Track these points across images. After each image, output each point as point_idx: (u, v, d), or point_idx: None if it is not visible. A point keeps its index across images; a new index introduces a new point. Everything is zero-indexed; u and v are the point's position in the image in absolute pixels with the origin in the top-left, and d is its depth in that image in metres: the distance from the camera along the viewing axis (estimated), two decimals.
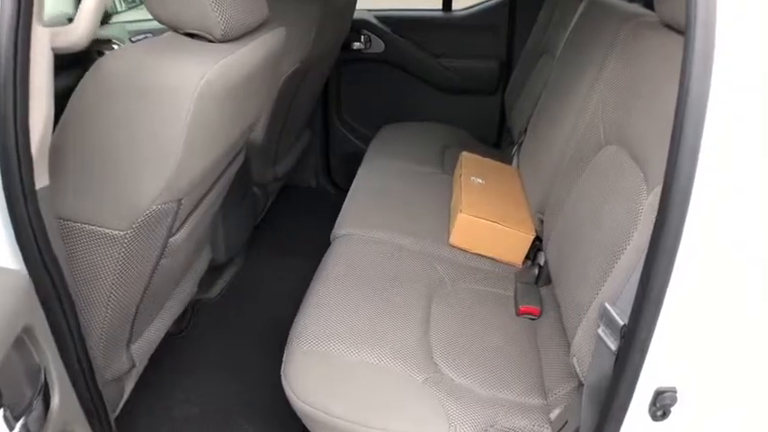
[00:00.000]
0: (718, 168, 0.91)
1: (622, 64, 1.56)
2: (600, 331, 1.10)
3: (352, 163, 2.87)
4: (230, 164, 1.63)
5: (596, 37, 1.78)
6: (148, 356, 1.67)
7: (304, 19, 2.09)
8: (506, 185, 2.12)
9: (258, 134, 2.17)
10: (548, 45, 2.42)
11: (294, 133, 2.65)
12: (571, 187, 1.63)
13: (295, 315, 1.56)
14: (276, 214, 2.80)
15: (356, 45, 2.88)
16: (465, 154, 2.31)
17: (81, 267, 1.25)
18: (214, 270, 2.24)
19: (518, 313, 1.69)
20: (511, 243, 1.87)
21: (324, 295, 1.60)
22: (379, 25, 2.87)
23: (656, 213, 0.94)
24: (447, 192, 2.19)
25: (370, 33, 2.87)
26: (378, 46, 2.88)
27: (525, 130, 2.28)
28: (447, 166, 2.47)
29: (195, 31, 1.23)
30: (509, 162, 2.53)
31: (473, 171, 2.16)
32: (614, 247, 1.25)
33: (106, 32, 2.54)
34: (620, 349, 1.03)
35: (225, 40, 1.23)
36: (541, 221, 1.84)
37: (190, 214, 1.41)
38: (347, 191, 2.28)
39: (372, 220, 1.94)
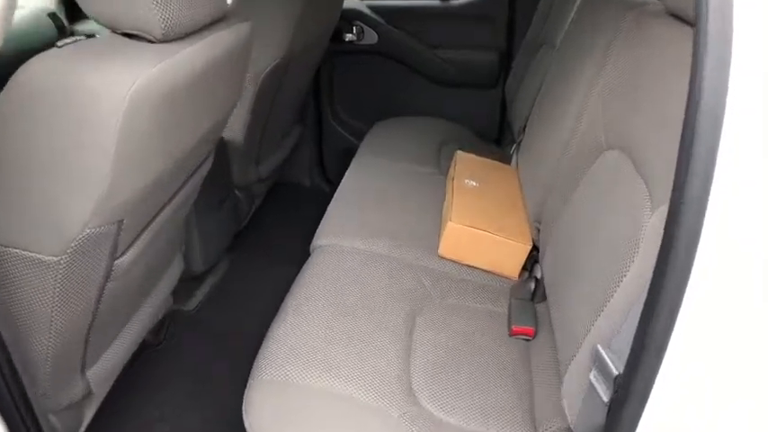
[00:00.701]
0: (738, 190, 0.75)
1: (626, 58, 1.40)
2: (591, 377, 0.95)
3: (347, 159, 2.73)
4: (194, 173, 1.48)
5: (597, 28, 1.61)
6: (111, 380, 1.54)
7: (281, 12, 1.94)
8: (503, 188, 1.97)
9: (237, 134, 2.03)
10: (547, 36, 2.26)
11: (280, 131, 2.50)
12: (568, 196, 1.48)
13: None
14: (264, 216, 2.65)
15: (348, 36, 2.72)
16: (459, 153, 2.15)
17: (16, 293, 1.12)
18: (193, 279, 2.11)
19: (511, 334, 1.54)
20: (506, 254, 1.72)
21: (294, 315, 1.46)
22: (372, 16, 2.71)
23: (660, 238, 0.79)
24: (442, 194, 2.04)
25: (362, 24, 2.71)
26: (371, 37, 2.73)
27: (524, 128, 2.12)
28: (443, 164, 2.32)
29: (133, 31, 1.08)
30: (508, 161, 2.38)
31: (467, 172, 2.01)
32: (611, 273, 1.09)
33: (88, 27, 2.41)
34: (612, 401, 0.88)
35: (167, 39, 1.08)
36: (538, 230, 1.69)
37: (139, 234, 1.27)
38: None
39: (356, 229, 1.79)
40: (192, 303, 2.13)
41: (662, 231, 0.78)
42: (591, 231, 1.28)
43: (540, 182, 1.71)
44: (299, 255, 1.84)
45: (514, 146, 2.21)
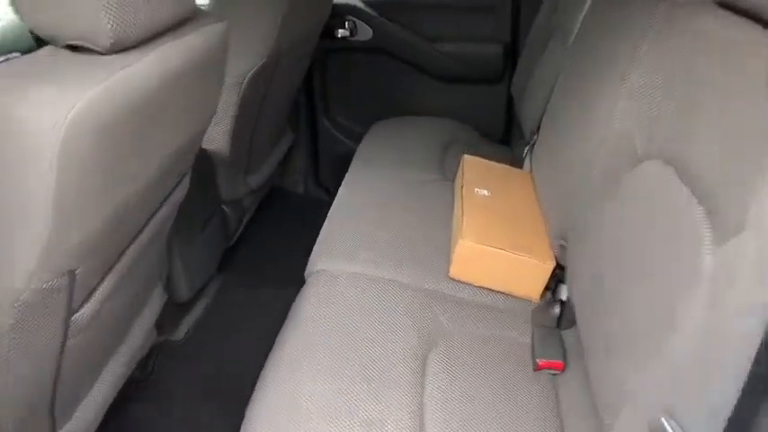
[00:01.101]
0: None
1: (662, 55, 1.21)
2: None
3: (344, 164, 2.54)
4: (167, 198, 1.29)
5: (622, 21, 1.42)
6: None
7: (265, 7, 1.74)
8: (518, 197, 1.78)
9: (221, 145, 1.84)
10: (557, 28, 2.06)
11: (270, 136, 2.31)
12: (600, 211, 1.29)
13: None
14: (256, 230, 2.46)
15: (341, 32, 2.52)
16: (467, 157, 1.96)
17: None
18: (179, 307, 1.92)
19: (536, 369, 1.36)
20: (525, 274, 1.53)
21: (288, 355, 1.28)
22: (366, 9, 2.51)
23: (732, 276, 0.60)
24: (449, 205, 1.85)
25: (355, 19, 2.51)
26: (365, 32, 2.52)
27: (538, 129, 1.93)
28: (448, 169, 2.13)
29: (78, 42, 0.88)
30: (520, 163, 2.19)
31: (477, 179, 1.82)
32: (665, 314, 0.91)
33: None
34: None
35: (119, 49, 0.89)
36: (562, 248, 1.50)
37: (101, 281, 1.08)
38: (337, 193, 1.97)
39: (355, 250, 1.60)
40: (180, 333, 1.94)
41: (735, 269, 0.59)
42: (632, 257, 1.09)
43: (562, 192, 1.52)
44: (293, 273, 1.67)
45: (527, 148, 2.02)
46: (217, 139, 1.81)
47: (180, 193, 1.36)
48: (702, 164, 0.96)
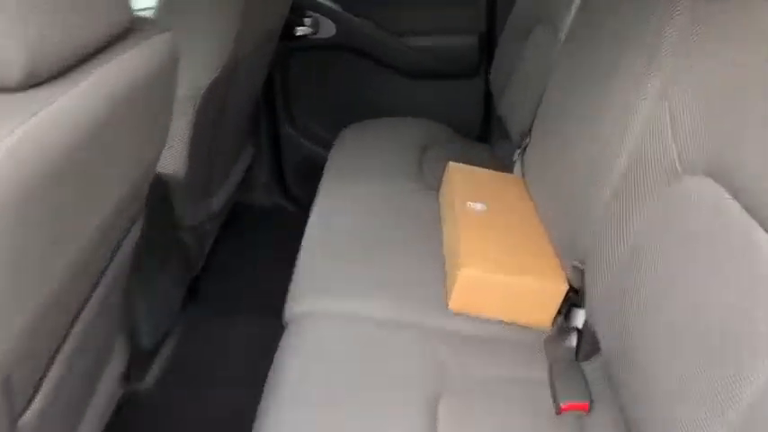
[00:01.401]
0: None
1: (698, 47, 1.03)
2: None
3: (312, 172, 2.34)
4: (118, 248, 1.08)
5: (636, 7, 1.24)
6: None
7: (220, 11, 1.52)
8: (515, 210, 1.60)
9: (177, 168, 1.62)
10: (543, 14, 1.88)
11: (232, 151, 2.09)
12: (627, 230, 1.11)
13: (249, 410, 1.14)
14: (222, 252, 2.23)
15: (301, 30, 2.30)
16: (452, 165, 1.77)
17: None
18: (146, 353, 1.70)
19: (559, 412, 1.18)
20: (536, 299, 1.35)
21: (274, 421, 1.08)
22: (328, 4, 2.29)
23: None
24: (436, 220, 1.66)
25: (316, 14, 2.29)
26: (328, 29, 2.31)
27: (529, 131, 1.74)
28: (429, 176, 1.94)
29: None
30: (504, 163, 2.02)
31: (467, 191, 1.63)
32: (730, 355, 0.74)
33: None
34: None
35: (37, 82, 0.68)
36: (575, 269, 1.32)
37: (45, 373, 0.87)
38: (308, 206, 1.79)
39: (338, 285, 1.41)
40: (149, 381, 1.72)
41: None
42: (681, 294, 0.92)
43: (570, 207, 1.34)
44: (267, 297, 1.52)
45: (517, 152, 1.83)
46: (171, 162, 1.59)
47: (133, 238, 1.14)
48: (762, 182, 0.79)
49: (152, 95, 0.99)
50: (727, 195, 0.88)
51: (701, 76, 1.01)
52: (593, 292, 1.23)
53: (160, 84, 1.02)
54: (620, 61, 1.24)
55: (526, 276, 1.34)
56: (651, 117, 1.11)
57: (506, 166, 2.00)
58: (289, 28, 2.25)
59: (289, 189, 2.58)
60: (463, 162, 1.90)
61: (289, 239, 1.63)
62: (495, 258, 1.37)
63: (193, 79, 1.53)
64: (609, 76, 1.27)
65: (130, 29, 0.93)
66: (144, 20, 1.00)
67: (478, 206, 1.55)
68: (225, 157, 2.01)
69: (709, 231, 0.90)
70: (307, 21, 2.29)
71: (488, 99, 2.41)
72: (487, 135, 2.48)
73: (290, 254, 1.57)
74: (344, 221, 1.63)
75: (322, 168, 2.05)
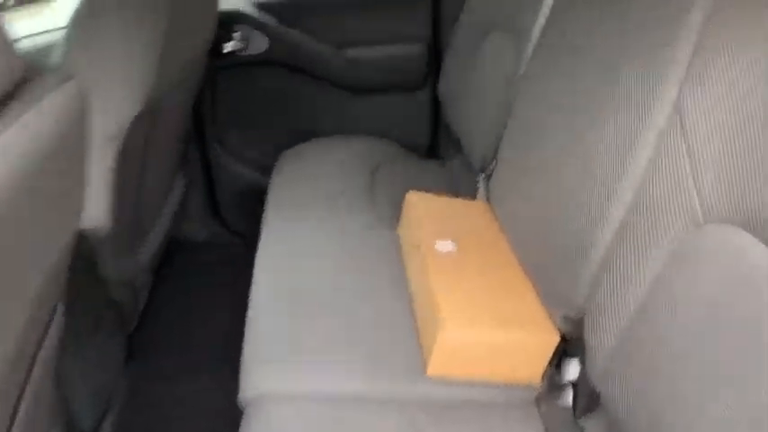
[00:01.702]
0: None
1: (722, 67, 0.88)
2: None
3: (250, 200, 2.14)
4: (36, 354, 0.86)
5: (637, 15, 1.09)
6: None
7: (138, 40, 1.30)
8: (486, 245, 1.43)
9: (101, 221, 1.40)
10: (499, 17, 1.72)
11: (161, 190, 1.86)
12: (638, 280, 0.96)
13: None
14: (160, 300, 2.00)
15: (230, 46, 2.08)
16: (411, 195, 1.59)
17: None
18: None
19: None
20: (525, 354, 1.20)
21: None
22: (258, 16, 2.08)
23: None
24: (396, 260, 1.49)
25: (246, 28, 2.07)
26: (259, 43, 2.09)
27: (495, 154, 1.58)
28: (383, 204, 1.76)
29: None
30: (463, 183, 1.86)
31: (431, 226, 1.46)
32: None
33: None
34: None
35: None
36: (567, 318, 1.17)
37: None
38: (249, 237, 1.66)
39: (296, 356, 1.21)
40: None
41: None
42: (709, 356, 0.77)
43: (562, 250, 1.17)
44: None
45: (480, 178, 1.67)
46: (94, 215, 1.36)
47: (59, 321, 0.93)
48: None
49: (60, 157, 0.79)
50: (758, 244, 0.74)
51: (719, 103, 0.86)
52: (596, 348, 1.07)
53: (69, 143, 0.81)
54: (616, 80, 1.08)
55: (513, 330, 1.18)
56: (661, 150, 0.95)
57: (465, 186, 1.85)
58: (216, 44, 2.02)
59: (226, 220, 2.35)
60: (417, 184, 1.74)
61: (231, 276, 1.51)
62: (474, 312, 1.20)
63: (112, 121, 1.32)
64: (601, 97, 1.11)
65: (26, 83, 0.73)
66: (41, 67, 0.79)
67: (447, 246, 1.38)
68: (155, 197, 1.78)
69: (738, 284, 0.76)
70: (236, 35, 2.07)
71: (436, 111, 2.24)
72: (437, 149, 2.31)
73: (234, 293, 1.43)
74: (295, 270, 1.44)
75: (261, 196, 1.86)
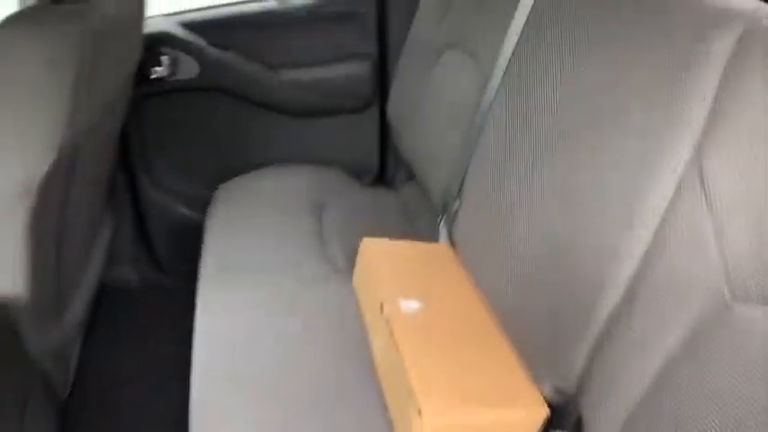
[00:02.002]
0: None
1: (748, 106, 0.76)
2: None
3: (184, 238, 1.96)
4: None
5: (646, 45, 0.96)
6: None
7: (46, 85, 1.11)
8: (455, 300, 1.29)
9: (18, 290, 1.22)
10: (453, 37, 1.59)
11: (86, 237, 1.65)
12: (652, 359, 0.84)
13: None
14: (93, 361, 1.78)
15: (157, 71, 1.88)
16: (367, 245, 1.43)
17: None
18: None
19: None
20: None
21: None
22: (186, 37, 1.88)
23: None
24: (354, 320, 1.33)
25: (174, 51, 1.88)
26: (189, 68, 1.90)
27: (458, 191, 1.44)
28: (334, 252, 1.60)
29: None
30: (418, 215, 1.73)
31: (393, 280, 1.31)
32: None
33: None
34: None
35: None
36: (558, 389, 1.04)
37: None
38: (186, 278, 1.55)
39: None
40: None
41: None
42: None
43: (552, 316, 1.04)
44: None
45: (441, 219, 1.52)
46: (8, 283, 1.18)
47: None
48: None
49: None
50: None
51: (745, 156, 0.74)
52: (595, 425, 0.94)
53: None
54: (615, 126, 0.95)
55: (498, 407, 1.04)
56: (677, 205, 0.83)
57: (421, 219, 1.72)
58: (142, 69, 1.82)
59: (158, 261, 2.15)
60: (370, 220, 1.60)
61: (169, 326, 1.44)
62: (452, 389, 1.05)
63: (21, 175, 1.13)
64: (597, 143, 0.98)
65: None
66: None
67: (413, 305, 1.23)
68: (80, 248, 1.58)
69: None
70: (163, 60, 1.87)
71: (384, 134, 2.09)
72: (386, 173, 2.16)
73: (173, 348, 1.35)
74: (238, 337, 1.27)
75: (197, 233, 1.70)
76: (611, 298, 0.92)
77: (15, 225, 1.17)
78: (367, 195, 1.94)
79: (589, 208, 0.96)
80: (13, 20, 1.11)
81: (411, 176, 1.96)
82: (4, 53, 1.07)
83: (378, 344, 1.23)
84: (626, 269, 0.90)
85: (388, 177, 2.13)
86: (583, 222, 0.97)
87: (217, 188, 1.91)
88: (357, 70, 2.00)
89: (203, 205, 1.88)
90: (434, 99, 1.66)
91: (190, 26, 1.91)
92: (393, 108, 1.93)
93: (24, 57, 1.08)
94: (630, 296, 0.89)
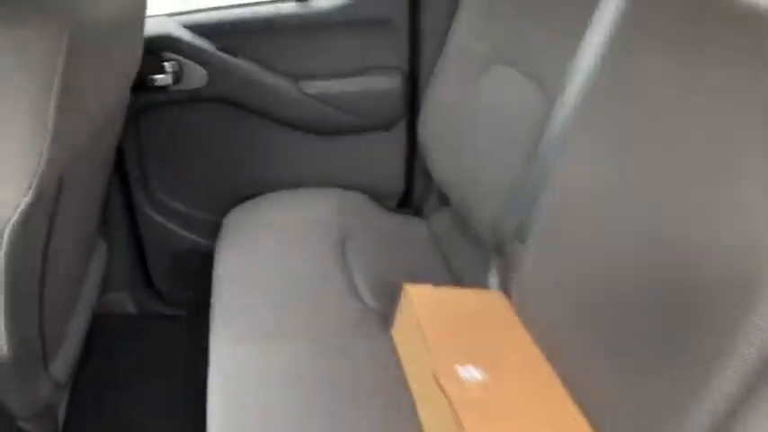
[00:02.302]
0: None
1: None
2: None
3: (186, 264, 1.75)
4: None
5: None
6: None
7: (19, 100, 0.89)
8: (522, 364, 1.08)
9: None
10: (507, 50, 1.39)
11: (75, 278, 1.43)
12: None
13: None
14: (88, 398, 1.58)
15: (158, 79, 1.66)
16: (410, 291, 1.22)
17: None
18: None
19: None
20: None
21: None
22: (195, 42, 1.67)
23: None
24: (396, 381, 1.13)
25: (179, 58, 1.66)
26: (195, 76, 1.68)
27: (520, 230, 1.22)
28: (364, 293, 1.42)
29: None
30: (455, 250, 1.53)
31: (446, 341, 1.10)
32: None
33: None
34: None
35: None
36: None
37: None
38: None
39: None
40: None
41: None
42: None
43: (653, 393, 0.83)
44: None
45: (494, 263, 1.31)
46: None
47: None
48: None
49: None
50: None
51: None
52: None
53: None
54: (734, 157, 0.74)
55: None
56: None
57: (461, 258, 1.53)
58: (141, 75, 1.60)
59: (159, 288, 1.93)
60: (399, 251, 1.54)
61: (170, 362, 1.34)
62: None
63: None
64: (707, 181, 0.77)
65: None
66: None
67: (474, 374, 1.02)
68: (67, 285, 1.36)
69: None
70: (166, 66, 1.65)
71: (411, 154, 1.88)
72: (410, 198, 1.95)
73: (175, 380, 1.30)
74: (257, 380, 1.08)
75: (203, 261, 1.55)
76: (735, 376, 0.72)
77: None
78: (394, 223, 1.74)
79: (706, 261, 0.76)
80: None
81: (443, 202, 1.76)
82: None
83: (430, 413, 1.02)
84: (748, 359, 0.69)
85: (413, 202, 1.92)
86: (700, 277, 0.77)
87: (224, 211, 1.71)
88: (385, 84, 1.79)
89: (208, 229, 1.70)
90: (481, 118, 1.46)
91: (196, 29, 1.70)
92: (426, 126, 1.72)
93: None
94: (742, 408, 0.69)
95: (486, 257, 1.35)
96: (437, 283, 1.24)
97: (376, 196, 1.85)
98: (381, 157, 1.88)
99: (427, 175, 1.77)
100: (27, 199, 0.92)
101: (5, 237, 0.92)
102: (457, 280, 1.48)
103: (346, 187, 1.79)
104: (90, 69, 1.02)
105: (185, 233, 1.84)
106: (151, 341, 1.82)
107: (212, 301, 1.37)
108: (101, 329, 1.71)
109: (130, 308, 1.92)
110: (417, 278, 1.26)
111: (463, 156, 1.50)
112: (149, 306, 1.93)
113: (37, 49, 0.88)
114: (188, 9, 1.79)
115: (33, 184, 0.92)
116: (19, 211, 0.92)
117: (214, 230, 1.67)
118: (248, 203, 1.70)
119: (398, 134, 1.87)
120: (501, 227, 1.28)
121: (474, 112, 1.47)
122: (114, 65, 1.23)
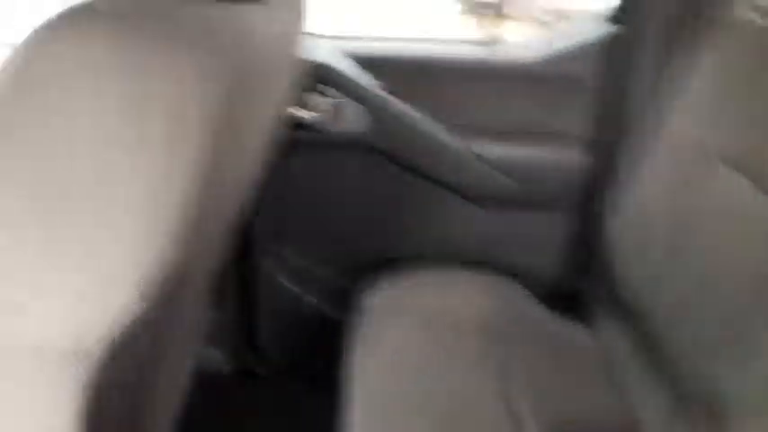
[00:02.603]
0: None
1: None
2: None
3: (298, 327, 1.49)
4: None
5: None
6: None
7: (160, 163, 0.59)
8: None
9: None
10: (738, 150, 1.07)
11: (171, 376, 1.18)
12: None
13: None
14: None
15: (308, 117, 1.39)
16: None
17: None
18: None
19: None
20: None
21: None
22: (358, 77, 1.39)
23: None
24: None
25: (333, 92, 1.39)
26: (355, 119, 1.41)
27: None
28: (521, 405, 1.17)
29: None
30: (631, 377, 1.25)
31: None
32: None
33: None
34: None
35: None
36: None
37: None
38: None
39: None
40: None
41: None
42: None
43: None
44: None
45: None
46: None
47: None
48: None
49: None
50: None
51: None
52: None
53: None
54: None
55: None
56: None
57: (636, 385, 1.23)
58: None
59: (265, 351, 1.66)
60: (564, 368, 1.27)
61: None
62: None
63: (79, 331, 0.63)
64: None
65: None
66: None
67: None
68: (166, 381, 1.09)
69: None
70: (321, 102, 1.38)
71: (585, 244, 1.57)
72: (576, 297, 1.63)
73: None
74: None
75: (326, 334, 1.41)
76: None
77: (65, 405, 0.67)
78: (558, 329, 1.43)
79: None
80: (80, 19, 0.56)
81: (625, 320, 1.44)
82: (73, 94, 0.55)
83: None
84: None
85: (579, 302, 1.60)
86: None
87: (352, 273, 1.43)
88: (567, 156, 1.48)
89: (337, 297, 1.40)
90: (707, 230, 1.13)
91: (362, 61, 1.42)
92: (615, 216, 1.40)
93: (117, 105, 0.56)
94: None
95: (684, 411, 1.03)
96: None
97: (529, 281, 1.54)
98: (547, 242, 1.57)
99: (598, 272, 1.46)
100: (140, 306, 0.64)
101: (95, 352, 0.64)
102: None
103: (497, 267, 1.49)
104: (245, 108, 0.74)
105: (308, 296, 1.57)
106: (245, 401, 1.58)
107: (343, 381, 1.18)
108: (197, 389, 1.46)
109: (225, 365, 1.67)
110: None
111: (670, 270, 1.18)
112: (245, 361, 1.67)
113: (198, 82, 0.60)
114: (347, 34, 1.53)
115: (151, 283, 0.64)
116: (123, 322, 0.64)
117: (339, 293, 1.42)
118: (387, 276, 1.42)
119: (569, 216, 1.55)
120: (718, 377, 0.96)
121: (696, 218, 1.16)
122: (267, 103, 0.94)
